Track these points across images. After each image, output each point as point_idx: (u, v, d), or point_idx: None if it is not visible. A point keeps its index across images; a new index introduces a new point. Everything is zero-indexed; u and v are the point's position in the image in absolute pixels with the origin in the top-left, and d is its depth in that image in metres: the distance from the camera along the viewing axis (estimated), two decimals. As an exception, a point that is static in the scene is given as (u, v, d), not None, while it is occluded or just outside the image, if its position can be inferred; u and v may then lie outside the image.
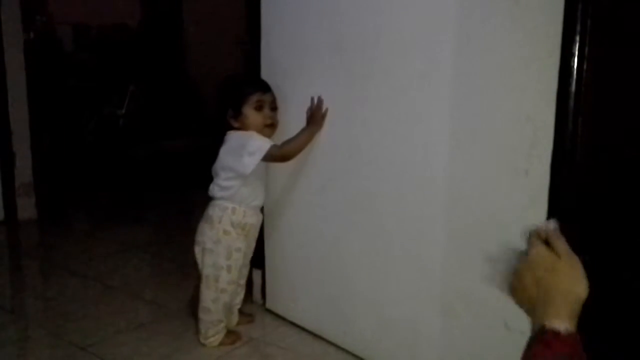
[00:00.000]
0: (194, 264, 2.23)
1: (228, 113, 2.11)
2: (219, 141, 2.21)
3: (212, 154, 2.19)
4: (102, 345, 2.22)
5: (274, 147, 2.06)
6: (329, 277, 2.24)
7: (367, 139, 2.01)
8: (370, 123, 2.00)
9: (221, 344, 2.21)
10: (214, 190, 2.15)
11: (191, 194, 4.54)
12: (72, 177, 4.93)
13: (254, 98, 2.11)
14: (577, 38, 1.33)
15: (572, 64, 1.34)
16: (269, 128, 2.15)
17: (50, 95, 5.42)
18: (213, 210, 2.13)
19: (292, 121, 2.18)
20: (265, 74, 2.31)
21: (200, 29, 6.40)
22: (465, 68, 1.72)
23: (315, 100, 2.10)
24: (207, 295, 2.17)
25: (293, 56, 2.22)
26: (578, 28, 1.32)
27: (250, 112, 2.11)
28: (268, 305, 2.50)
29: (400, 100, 1.90)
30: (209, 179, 2.20)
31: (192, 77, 6.48)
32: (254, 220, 2.19)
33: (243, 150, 2.05)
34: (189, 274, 2.90)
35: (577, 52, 1.33)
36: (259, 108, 2.12)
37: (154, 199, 4.49)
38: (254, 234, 2.24)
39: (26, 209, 3.70)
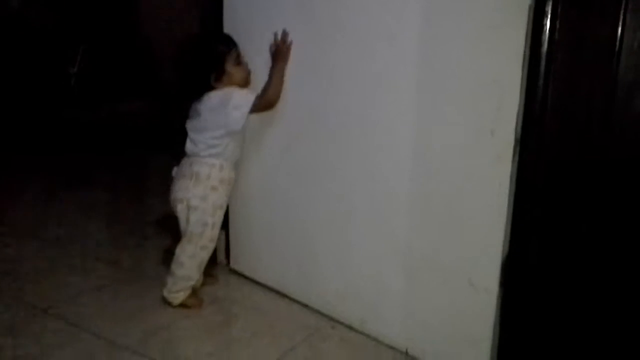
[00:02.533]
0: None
1: (211, 76, 2.08)
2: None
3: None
4: (63, 307, 2.19)
5: (257, 97, 2.05)
6: (293, 236, 2.25)
7: (333, 99, 2.01)
8: (336, 83, 1.99)
9: (182, 304, 2.20)
10: (198, 148, 2.12)
11: (145, 156, 4.48)
12: (23, 139, 4.80)
13: (234, 54, 2.10)
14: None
15: (544, 23, 1.36)
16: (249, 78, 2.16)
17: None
18: (200, 167, 2.11)
19: (257, 80, 2.14)
20: (228, 29, 2.27)
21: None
22: (433, 29, 1.72)
23: (279, 34, 2.07)
24: (187, 250, 2.17)
25: (257, 14, 2.18)
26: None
27: (233, 69, 2.10)
28: (232, 265, 2.50)
29: (366, 61, 1.90)
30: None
31: (146, 36, 6.30)
32: (234, 175, 2.21)
33: (228, 106, 2.04)
34: (149, 235, 2.90)
35: (550, 11, 1.35)
36: (239, 62, 2.12)
37: (108, 161, 4.39)
38: (231, 190, 2.25)
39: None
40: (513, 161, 1.64)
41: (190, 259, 2.17)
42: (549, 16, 1.36)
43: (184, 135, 2.19)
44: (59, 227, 2.99)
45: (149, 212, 3.24)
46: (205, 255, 2.20)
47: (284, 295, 2.32)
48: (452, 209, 1.79)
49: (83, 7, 6.06)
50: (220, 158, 2.13)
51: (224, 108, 2.05)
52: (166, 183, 2.93)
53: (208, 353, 1.97)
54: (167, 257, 2.46)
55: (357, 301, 2.08)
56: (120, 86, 5.94)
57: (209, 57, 2.09)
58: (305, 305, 2.24)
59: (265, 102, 2.06)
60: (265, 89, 2.07)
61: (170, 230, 2.83)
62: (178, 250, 2.19)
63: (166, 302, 2.21)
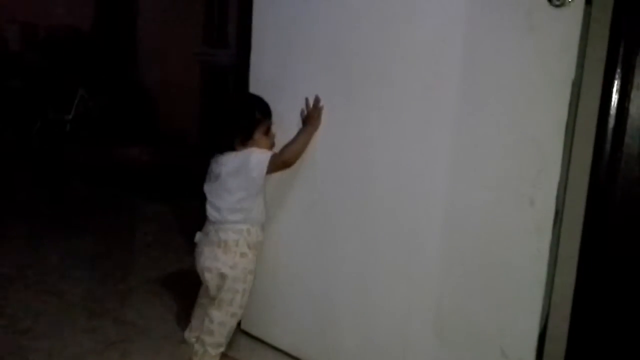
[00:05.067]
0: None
1: (237, 138, 2.07)
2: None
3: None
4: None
5: (274, 155, 2.04)
6: (312, 296, 2.19)
7: (363, 154, 1.99)
8: (368, 139, 1.97)
9: None
10: (222, 215, 2.08)
11: (140, 204, 4.42)
12: (15, 183, 4.71)
13: (266, 124, 2.11)
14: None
15: (611, 94, 1.35)
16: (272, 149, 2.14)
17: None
18: (227, 235, 2.08)
19: (285, 139, 2.11)
20: (254, 89, 2.25)
21: (154, 36, 6.25)
22: (472, 91, 1.72)
23: (311, 100, 2.06)
24: (216, 317, 2.11)
25: (284, 76, 2.17)
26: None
27: (260, 137, 2.09)
28: (243, 326, 2.41)
29: (399, 116, 1.88)
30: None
31: (144, 84, 6.31)
32: (262, 238, 2.17)
33: (248, 167, 2.03)
34: (154, 290, 2.81)
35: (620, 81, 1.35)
36: (267, 133, 2.12)
37: (103, 208, 4.30)
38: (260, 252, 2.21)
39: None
40: (553, 231, 1.62)
41: (219, 326, 2.11)
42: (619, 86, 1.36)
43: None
44: (57, 277, 2.88)
45: (153, 266, 3.15)
46: (235, 322, 2.16)
47: (298, 359, 2.24)
48: (487, 274, 1.75)
49: (81, 53, 6.08)
50: (247, 223, 2.09)
51: (245, 169, 2.04)
52: (165, 234, 2.86)
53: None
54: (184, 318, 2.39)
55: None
56: (116, 132, 5.91)
57: (244, 120, 2.08)
58: (323, 370, 2.16)
59: (280, 162, 2.04)
60: (285, 147, 2.05)
61: (177, 288, 2.78)
62: (208, 318, 2.12)
63: None
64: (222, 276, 2.08)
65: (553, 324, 1.81)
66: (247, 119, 2.08)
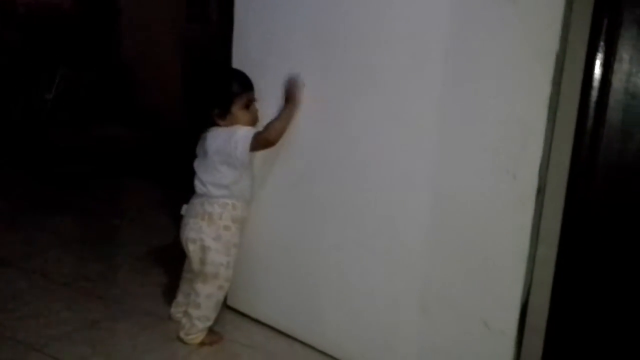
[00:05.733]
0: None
1: (214, 112, 2.05)
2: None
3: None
4: (56, 345, 2.09)
5: (257, 133, 2.03)
6: (298, 272, 2.20)
7: (347, 135, 1.98)
8: (352, 119, 1.97)
9: (202, 343, 2.15)
10: (208, 189, 2.08)
11: (122, 182, 4.40)
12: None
13: (244, 98, 2.07)
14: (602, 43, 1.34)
15: (594, 67, 1.36)
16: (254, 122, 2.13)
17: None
18: (212, 207, 2.08)
19: (269, 117, 2.10)
20: (237, 66, 2.23)
21: (136, 12, 6.16)
22: (456, 66, 1.72)
23: (291, 77, 2.04)
24: (202, 291, 2.11)
25: (269, 49, 2.15)
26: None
27: (239, 112, 2.07)
28: (228, 302, 2.42)
29: (384, 97, 1.88)
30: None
31: (126, 62, 6.23)
32: (247, 214, 2.18)
33: (231, 144, 2.02)
34: (139, 268, 2.81)
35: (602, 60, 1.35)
36: (247, 107, 2.08)
37: (84, 187, 4.26)
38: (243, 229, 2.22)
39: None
40: (536, 206, 1.63)
41: (206, 299, 2.12)
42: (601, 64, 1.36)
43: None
44: (42, 258, 2.86)
45: (137, 245, 3.15)
46: (222, 295, 2.16)
47: (284, 334, 2.25)
48: (471, 250, 1.76)
49: (62, 30, 5.98)
50: (232, 198, 2.10)
51: (229, 146, 2.03)
52: (149, 212, 2.81)
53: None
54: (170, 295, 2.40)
55: (367, 341, 2.03)
56: (98, 111, 5.85)
57: (218, 92, 2.07)
58: (309, 345, 2.18)
59: (263, 140, 2.03)
60: (266, 127, 2.04)
61: (162, 265, 2.78)
62: (194, 292, 2.13)
63: (184, 343, 2.15)
64: (205, 248, 2.08)
65: (535, 297, 1.83)
66: (222, 92, 2.06)
